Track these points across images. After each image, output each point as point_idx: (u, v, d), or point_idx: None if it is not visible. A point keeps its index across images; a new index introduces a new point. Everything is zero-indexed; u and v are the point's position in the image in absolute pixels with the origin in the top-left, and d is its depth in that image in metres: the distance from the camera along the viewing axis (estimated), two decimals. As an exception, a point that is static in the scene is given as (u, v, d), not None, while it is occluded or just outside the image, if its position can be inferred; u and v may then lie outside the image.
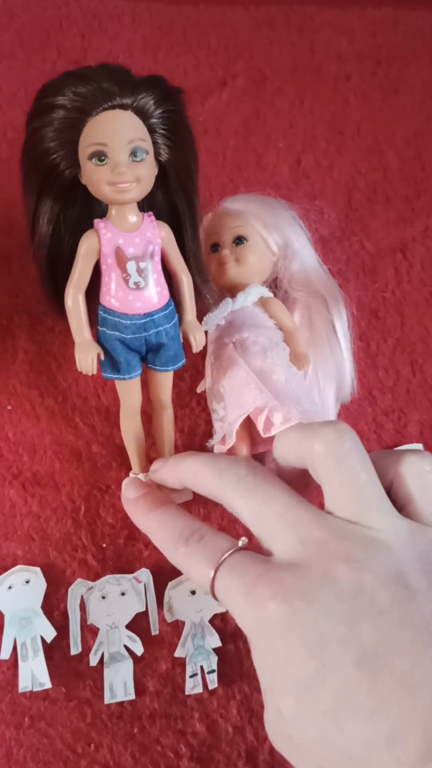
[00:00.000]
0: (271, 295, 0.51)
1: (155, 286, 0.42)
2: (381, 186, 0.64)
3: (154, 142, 0.40)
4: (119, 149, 0.38)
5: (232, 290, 0.51)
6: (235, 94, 0.68)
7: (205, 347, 0.50)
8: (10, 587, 0.46)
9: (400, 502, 0.33)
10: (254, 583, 0.31)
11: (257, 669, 0.31)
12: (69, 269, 0.42)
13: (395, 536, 0.31)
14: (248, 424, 0.47)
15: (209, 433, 0.49)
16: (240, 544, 0.34)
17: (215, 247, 0.52)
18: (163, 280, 0.43)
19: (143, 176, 0.40)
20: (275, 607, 0.29)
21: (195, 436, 0.52)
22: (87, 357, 0.42)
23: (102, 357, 0.42)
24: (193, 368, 0.53)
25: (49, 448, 0.51)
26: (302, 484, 0.36)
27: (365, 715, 0.27)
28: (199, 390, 0.52)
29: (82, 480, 0.50)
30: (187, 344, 0.45)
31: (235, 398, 0.46)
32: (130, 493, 0.43)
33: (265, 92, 0.68)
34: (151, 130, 0.40)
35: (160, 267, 0.42)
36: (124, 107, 0.38)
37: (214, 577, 0.33)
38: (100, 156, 0.38)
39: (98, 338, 0.43)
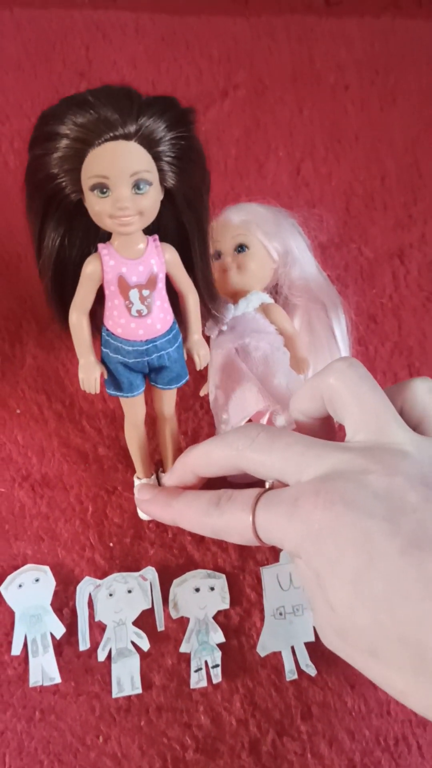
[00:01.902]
0: (271, 301, 0.52)
1: (158, 313, 0.42)
2: (379, 193, 0.65)
3: (160, 170, 0.38)
4: (121, 182, 0.36)
5: (234, 297, 0.52)
6: (236, 104, 0.69)
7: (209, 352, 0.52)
8: (20, 586, 0.47)
9: (412, 424, 0.36)
10: (294, 504, 0.33)
11: (305, 582, 0.33)
12: (75, 287, 0.42)
13: (414, 447, 0.33)
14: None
15: (212, 435, 0.50)
16: (268, 485, 0.36)
17: (217, 254, 0.53)
18: (166, 305, 0.42)
19: (146, 208, 0.38)
20: (320, 515, 0.31)
21: (198, 437, 0.53)
22: (90, 377, 0.43)
23: (105, 376, 0.44)
24: (196, 372, 0.54)
25: (57, 450, 0.52)
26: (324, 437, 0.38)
27: (414, 600, 0.29)
28: (202, 393, 0.53)
29: (90, 481, 0.51)
30: (191, 360, 0.46)
31: (237, 401, 0.47)
32: (145, 495, 0.44)
33: (266, 102, 0.70)
34: (157, 158, 0.38)
35: (164, 293, 0.42)
36: (127, 137, 0.36)
37: (253, 519, 0.35)
38: (101, 188, 0.37)
39: (102, 358, 0.44)
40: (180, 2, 0.77)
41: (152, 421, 0.50)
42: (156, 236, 0.41)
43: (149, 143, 0.37)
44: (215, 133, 0.67)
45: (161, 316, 0.42)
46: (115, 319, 0.41)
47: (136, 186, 0.37)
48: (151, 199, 0.38)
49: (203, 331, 0.51)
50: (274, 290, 0.55)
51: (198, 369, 0.46)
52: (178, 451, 0.48)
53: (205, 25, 0.74)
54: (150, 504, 0.44)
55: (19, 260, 0.59)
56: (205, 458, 0.40)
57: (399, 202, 0.65)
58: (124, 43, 0.72)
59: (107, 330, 0.42)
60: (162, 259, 0.41)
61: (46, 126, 0.37)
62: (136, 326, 0.41)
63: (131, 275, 0.40)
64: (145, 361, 0.43)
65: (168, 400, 0.47)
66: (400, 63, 0.74)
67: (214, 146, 0.66)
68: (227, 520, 0.37)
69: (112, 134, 0.36)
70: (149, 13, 0.74)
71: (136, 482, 0.49)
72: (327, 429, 0.40)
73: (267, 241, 0.53)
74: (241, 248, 0.52)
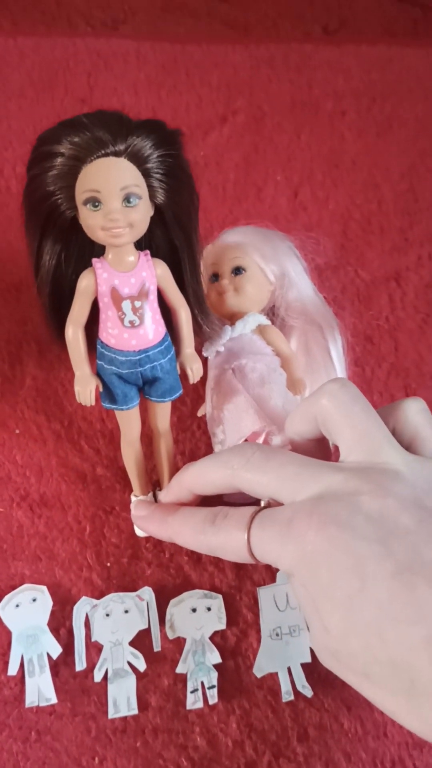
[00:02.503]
0: (268, 322, 0.53)
1: (151, 324, 0.43)
2: (375, 217, 0.66)
3: (150, 186, 0.41)
4: (112, 196, 0.39)
5: (231, 318, 0.53)
6: (235, 130, 0.70)
7: (206, 373, 0.52)
8: (17, 605, 0.47)
9: (405, 443, 0.36)
10: (288, 525, 0.33)
11: (301, 602, 0.34)
12: (71, 303, 0.44)
13: (407, 468, 0.33)
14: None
15: (210, 456, 0.50)
16: (263, 503, 0.36)
17: (215, 277, 0.54)
18: (158, 317, 0.44)
19: (136, 221, 0.40)
20: (313, 537, 0.32)
21: (196, 458, 0.53)
22: (86, 389, 0.44)
23: (101, 389, 0.45)
24: (194, 393, 0.55)
25: (55, 470, 0.52)
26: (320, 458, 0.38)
27: (405, 624, 0.29)
28: (199, 414, 0.54)
29: (88, 501, 0.51)
30: (185, 374, 0.47)
31: (234, 423, 0.48)
32: (141, 511, 0.45)
33: (265, 128, 0.71)
34: (146, 175, 0.40)
35: (156, 305, 0.44)
36: (117, 154, 0.39)
37: (248, 538, 0.35)
38: (93, 202, 0.39)
39: (97, 371, 0.45)
40: (180, 31, 0.78)
41: (149, 441, 0.50)
42: (147, 251, 0.43)
43: (138, 160, 0.40)
44: (214, 158, 0.68)
45: (153, 327, 0.43)
46: (109, 330, 0.43)
47: (126, 199, 0.39)
48: (141, 213, 0.40)
49: (200, 352, 0.51)
50: (271, 312, 0.56)
51: (191, 383, 0.47)
52: (175, 468, 0.49)
53: (205, 53, 0.75)
54: (146, 520, 0.45)
55: (20, 283, 0.59)
56: (201, 477, 0.40)
57: (395, 226, 0.65)
58: (126, 71, 0.73)
59: (101, 342, 0.44)
60: (153, 272, 0.43)
61: (44, 146, 0.40)
62: (129, 336, 0.43)
63: (123, 287, 0.42)
64: (138, 372, 0.44)
65: (162, 414, 0.48)
66: (397, 91, 0.75)
67: (213, 171, 0.67)
68: (222, 538, 0.37)
69: (103, 151, 0.39)
70: (150, 42, 0.76)
71: (133, 500, 0.49)
72: (322, 449, 0.41)
73: (264, 264, 0.54)
74: (238, 270, 0.53)
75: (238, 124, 0.71)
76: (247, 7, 0.81)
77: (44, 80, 0.72)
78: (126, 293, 0.42)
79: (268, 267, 0.54)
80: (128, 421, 0.47)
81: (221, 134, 0.70)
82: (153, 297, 0.43)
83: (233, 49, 0.76)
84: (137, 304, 0.42)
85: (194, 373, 0.46)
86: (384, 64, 0.77)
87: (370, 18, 0.82)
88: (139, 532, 0.50)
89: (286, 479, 0.35)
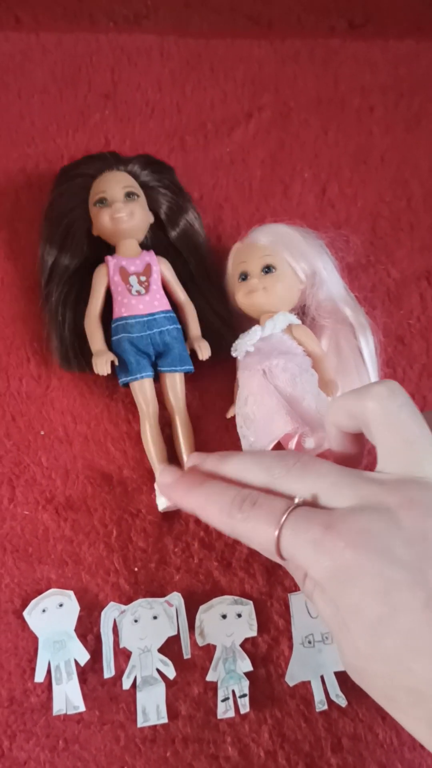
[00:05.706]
0: (299, 322, 0.52)
1: (155, 294, 0.52)
2: (405, 214, 0.65)
3: (150, 197, 0.56)
4: (115, 192, 0.53)
5: (261, 318, 0.52)
6: (261, 126, 0.69)
7: (236, 374, 0.51)
8: (44, 611, 0.47)
9: None
10: (323, 534, 0.32)
11: (327, 615, 0.33)
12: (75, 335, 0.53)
13: None
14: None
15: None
16: (297, 500, 0.35)
17: (244, 276, 0.53)
18: (162, 292, 0.53)
19: (136, 211, 0.53)
20: (347, 554, 0.31)
21: (224, 461, 0.52)
22: (101, 359, 0.49)
23: (116, 363, 0.50)
24: (224, 393, 0.54)
25: (81, 472, 0.51)
26: (356, 453, 0.39)
27: (430, 657, 0.28)
28: (228, 415, 0.53)
29: (114, 504, 0.50)
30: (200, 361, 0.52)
31: (265, 424, 0.47)
32: (167, 478, 0.43)
33: (291, 124, 0.69)
34: (146, 187, 0.56)
35: (159, 284, 0.53)
36: (119, 169, 0.56)
37: (279, 536, 0.34)
38: (102, 200, 0.53)
39: (112, 348, 0.51)
40: (204, 26, 0.77)
41: (168, 440, 0.50)
42: (152, 251, 0.54)
43: (134, 175, 0.56)
44: (240, 155, 0.67)
45: (158, 296, 0.52)
46: (120, 303, 0.51)
47: (127, 195, 0.53)
48: (140, 206, 0.54)
49: (230, 352, 0.50)
50: (302, 311, 0.55)
51: (201, 359, 0.51)
52: (192, 449, 0.50)
53: (230, 48, 0.74)
54: (171, 488, 0.43)
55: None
56: (241, 472, 0.39)
57: (426, 224, 0.64)
58: (150, 66, 0.72)
59: (114, 319, 0.52)
60: (156, 260, 0.53)
61: (69, 171, 0.58)
62: (137, 302, 0.51)
63: (130, 266, 0.52)
64: (148, 336, 0.50)
65: (174, 386, 0.51)
66: (425, 86, 0.73)
67: (239, 168, 0.66)
68: (250, 528, 0.36)
69: (108, 168, 0.56)
70: (174, 37, 0.74)
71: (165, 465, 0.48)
72: (358, 444, 0.39)
73: (294, 262, 0.53)
74: (267, 269, 0.52)
75: (263, 120, 0.70)
76: (270, 1, 0.80)
77: (67, 76, 0.71)
78: (132, 270, 0.52)
79: (298, 265, 0.53)
80: (143, 392, 0.50)
81: (247, 130, 0.69)
82: (156, 276, 0.53)
83: (258, 44, 0.75)
84: (142, 278, 0.52)
85: (203, 349, 0.51)
86: (412, 58, 0.75)
87: (396, 12, 0.81)
88: (161, 505, 0.48)
89: (324, 488, 0.34)
